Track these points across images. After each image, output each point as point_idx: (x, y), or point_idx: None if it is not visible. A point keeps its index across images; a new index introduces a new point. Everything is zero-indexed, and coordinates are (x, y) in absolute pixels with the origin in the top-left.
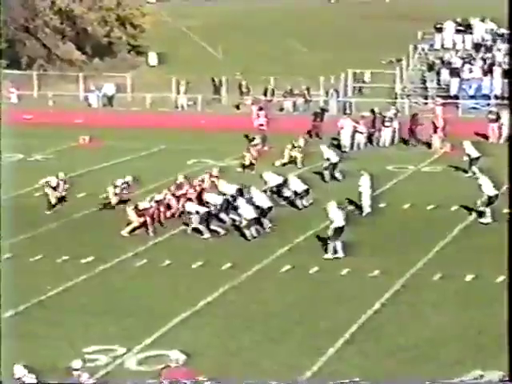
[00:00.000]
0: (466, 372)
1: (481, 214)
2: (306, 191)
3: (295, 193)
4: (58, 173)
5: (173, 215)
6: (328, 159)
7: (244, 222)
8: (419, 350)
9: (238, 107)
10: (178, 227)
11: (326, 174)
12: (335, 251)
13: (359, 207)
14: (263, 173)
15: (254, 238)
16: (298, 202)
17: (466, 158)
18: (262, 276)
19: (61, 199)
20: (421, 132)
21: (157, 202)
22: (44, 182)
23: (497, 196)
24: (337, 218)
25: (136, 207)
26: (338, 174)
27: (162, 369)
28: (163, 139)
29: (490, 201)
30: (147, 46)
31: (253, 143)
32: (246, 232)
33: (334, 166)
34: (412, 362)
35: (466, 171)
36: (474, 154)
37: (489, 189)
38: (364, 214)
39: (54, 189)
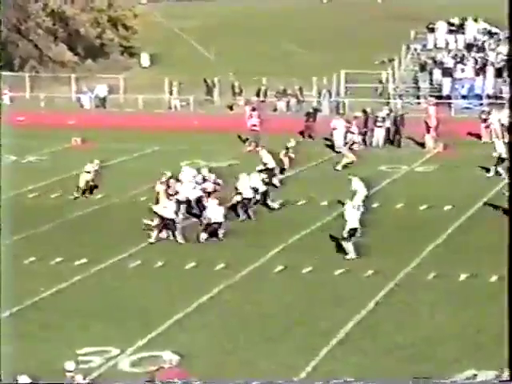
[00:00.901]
0: (461, 371)
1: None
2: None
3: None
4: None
5: None
6: (265, 164)
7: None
8: (416, 349)
9: (231, 108)
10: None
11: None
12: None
13: None
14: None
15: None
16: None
17: (494, 155)
18: (255, 276)
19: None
20: (407, 132)
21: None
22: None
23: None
24: (352, 218)
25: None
26: (275, 181)
27: (155, 370)
28: (156, 140)
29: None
30: (139, 47)
31: (288, 145)
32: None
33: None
34: (409, 361)
35: (488, 170)
36: (504, 154)
37: None
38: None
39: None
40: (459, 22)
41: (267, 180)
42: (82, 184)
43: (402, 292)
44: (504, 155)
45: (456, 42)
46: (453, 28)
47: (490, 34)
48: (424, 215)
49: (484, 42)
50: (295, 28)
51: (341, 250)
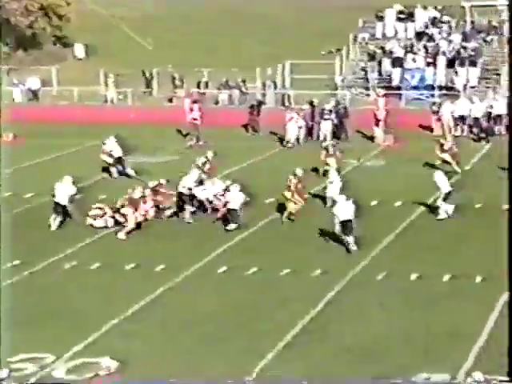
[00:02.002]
0: (412, 373)
1: (434, 210)
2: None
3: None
4: None
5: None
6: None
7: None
8: (365, 351)
9: (170, 101)
10: (110, 228)
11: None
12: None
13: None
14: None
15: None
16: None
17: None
18: (198, 277)
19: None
20: (356, 124)
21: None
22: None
23: (450, 192)
24: (342, 212)
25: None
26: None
27: (91, 377)
28: (92, 135)
29: (446, 197)
30: (73, 37)
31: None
32: None
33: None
34: (358, 363)
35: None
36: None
37: (445, 185)
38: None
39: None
40: (408, 10)
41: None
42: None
43: (352, 292)
44: (447, 189)
45: (406, 30)
46: (402, 16)
47: (442, 22)
48: (374, 211)
49: (436, 32)
50: (239, 17)
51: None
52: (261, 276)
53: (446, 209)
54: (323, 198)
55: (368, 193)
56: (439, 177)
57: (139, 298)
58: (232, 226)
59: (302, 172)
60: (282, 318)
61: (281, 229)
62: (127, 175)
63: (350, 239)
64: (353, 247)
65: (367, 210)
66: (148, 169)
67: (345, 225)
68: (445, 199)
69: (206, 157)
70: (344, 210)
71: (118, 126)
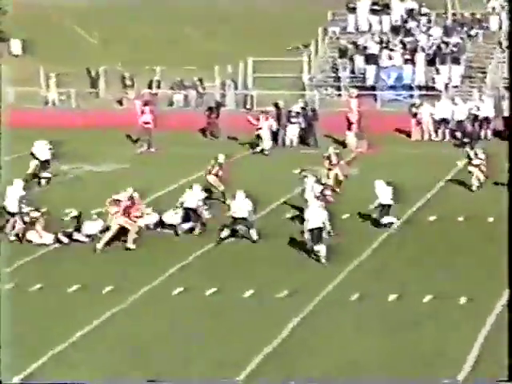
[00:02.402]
0: None
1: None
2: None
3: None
4: None
5: None
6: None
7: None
8: (336, 381)
9: (120, 103)
10: (49, 246)
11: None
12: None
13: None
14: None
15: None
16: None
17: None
18: (150, 300)
19: None
20: (326, 128)
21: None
22: None
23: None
24: (313, 218)
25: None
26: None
27: None
28: (30, 141)
29: (383, 209)
30: (9, 31)
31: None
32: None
33: None
34: None
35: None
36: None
37: (384, 196)
38: None
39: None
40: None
41: None
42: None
43: (322, 315)
44: (386, 201)
45: (380, 24)
46: (376, 8)
47: (420, 14)
48: (347, 226)
49: (414, 26)
50: (194, 11)
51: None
52: (221, 298)
53: (387, 221)
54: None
55: (339, 204)
56: (380, 187)
57: (83, 324)
58: (224, 234)
59: (224, 158)
60: (243, 345)
61: (244, 245)
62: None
63: (321, 249)
64: (323, 259)
65: (339, 223)
66: (94, 178)
67: (314, 233)
68: (382, 211)
69: (217, 159)
70: (315, 216)
71: (59, 131)
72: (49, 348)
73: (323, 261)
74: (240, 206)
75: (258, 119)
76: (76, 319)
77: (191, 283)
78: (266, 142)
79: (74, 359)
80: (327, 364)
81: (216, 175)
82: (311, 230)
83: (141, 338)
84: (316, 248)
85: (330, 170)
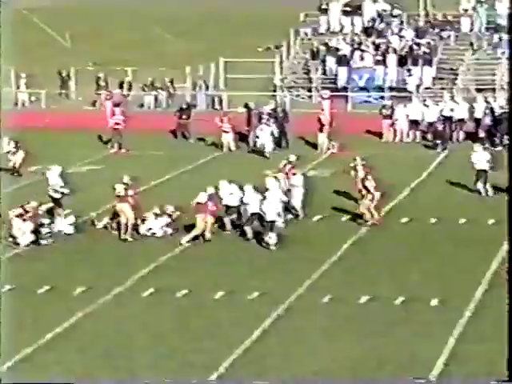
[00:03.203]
0: None
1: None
2: None
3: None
4: None
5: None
6: None
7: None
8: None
9: (94, 104)
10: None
11: None
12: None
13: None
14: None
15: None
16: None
17: None
18: (121, 301)
19: None
20: (297, 130)
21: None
22: None
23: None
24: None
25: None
26: None
27: None
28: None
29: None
30: None
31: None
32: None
33: None
34: None
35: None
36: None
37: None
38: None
39: None
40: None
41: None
42: None
43: (293, 318)
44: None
45: (352, 25)
46: (348, 9)
47: (392, 15)
48: (318, 227)
49: (386, 27)
50: (165, 12)
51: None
52: (191, 299)
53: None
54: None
55: (311, 207)
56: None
57: (53, 326)
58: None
59: (295, 158)
60: (214, 347)
61: (214, 246)
62: None
63: (249, 229)
64: (272, 247)
65: (310, 225)
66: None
67: (253, 218)
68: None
69: (288, 159)
70: (253, 203)
71: (29, 132)
72: (19, 349)
73: (273, 248)
74: (250, 200)
75: (222, 121)
76: (44, 321)
77: (162, 284)
78: (232, 144)
79: (41, 362)
80: (298, 367)
81: (286, 174)
82: (252, 214)
83: (112, 338)
84: (267, 235)
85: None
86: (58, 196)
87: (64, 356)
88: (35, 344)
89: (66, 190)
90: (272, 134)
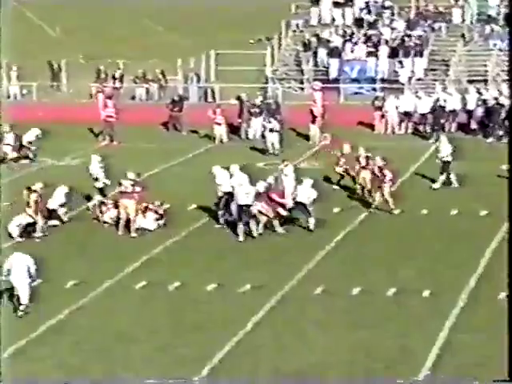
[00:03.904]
0: None
1: None
2: None
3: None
4: None
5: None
6: None
7: None
8: (301, 378)
9: (91, 96)
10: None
11: None
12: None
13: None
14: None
15: None
16: None
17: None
18: (113, 294)
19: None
20: (289, 121)
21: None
22: None
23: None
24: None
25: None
26: None
27: None
28: None
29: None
30: None
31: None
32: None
33: None
34: None
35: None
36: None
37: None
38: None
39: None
40: None
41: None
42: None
43: (285, 310)
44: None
45: (343, 16)
46: (339, 1)
47: (384, 7)
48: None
49: (377, 19)
50: (156, 4)
51: None
52: (184, 292)
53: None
54: None
55: None
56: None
57: (46, 319)
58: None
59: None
60: (207, 339)
61: (206, 239)
62: None
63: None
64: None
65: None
66: (56, 172)
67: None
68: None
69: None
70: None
71: (21, 124)
72: (12, 342)
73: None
74: (304, 192)
75: (214, 112)
76: (37, 314)
77: (154, 277)
78: (225, 136)
79: (34, 356)
80: (291, 359)
81: (341, 166)
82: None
83: (104, 332)
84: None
85: (359, 172)
86: (100, 185)
87: (57, 349)
88: (28, 337)
89: (107, 181)
90: (274, 130)
